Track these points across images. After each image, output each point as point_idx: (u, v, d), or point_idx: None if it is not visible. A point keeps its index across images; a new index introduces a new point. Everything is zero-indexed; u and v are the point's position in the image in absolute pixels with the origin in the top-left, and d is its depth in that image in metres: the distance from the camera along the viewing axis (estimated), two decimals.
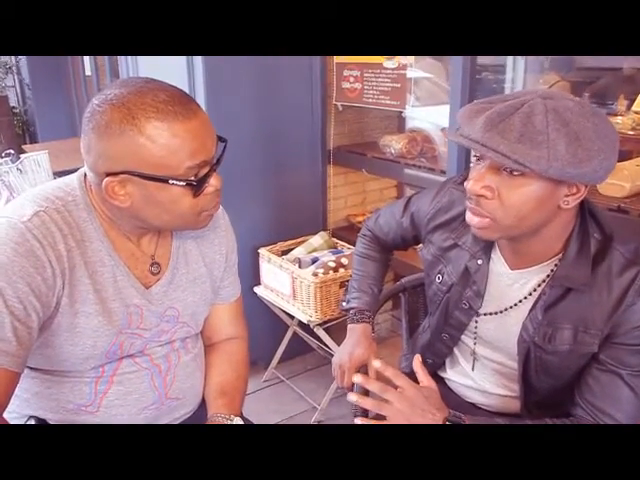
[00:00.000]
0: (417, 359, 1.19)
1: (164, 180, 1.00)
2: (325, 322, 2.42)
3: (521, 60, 2.78)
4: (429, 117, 2.72)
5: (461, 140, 1.07)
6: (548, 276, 1.19)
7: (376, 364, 1.18)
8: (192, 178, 1.02)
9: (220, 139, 1.07)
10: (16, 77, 6.89)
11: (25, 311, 0.98)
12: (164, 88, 1.01)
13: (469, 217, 1.14)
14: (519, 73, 2.79)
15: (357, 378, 1.17)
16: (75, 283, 1.06)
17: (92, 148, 1.00)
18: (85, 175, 1.12)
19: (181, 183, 1.01)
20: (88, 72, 5.14)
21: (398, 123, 3.05)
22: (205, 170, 1.04)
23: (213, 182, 1.05)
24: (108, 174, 1.00)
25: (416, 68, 2.63)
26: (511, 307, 1.25)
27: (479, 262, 1.27)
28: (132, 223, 1.10)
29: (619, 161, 2.01)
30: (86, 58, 5.12)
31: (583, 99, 1.11)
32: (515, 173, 1.03)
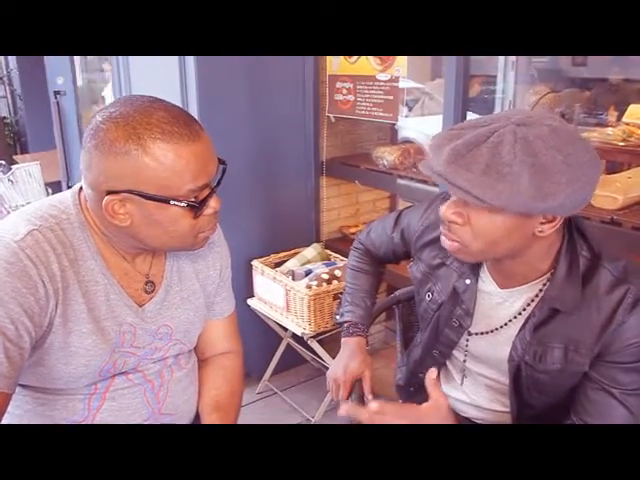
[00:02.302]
0: (430, 375, 1.11)
1: (165, 201, 0.99)
2: (319, 334, 2.41)
3: (511, 72, 2.80)
4: (422, 127, 2.73)
5: (426, 171, 1.06)
6: (537, 295, 1.19)
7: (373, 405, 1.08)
8: (193, 200, 1.02)
9: (220, 161, 1.07)
10: (7, 87, 6.88)
11: (17, 332, 0.97)
12: (169, 108, 1.00)
13: (442, 240, 1.15)
14: (510, 84, 2.81)
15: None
16: (68, 302, 1.05)
17: (94, 165, 0.99)
18: (79, 192, 1.11)
19: (182, 204, 1.01)
20: (80, 83, 5.13)
21: (391, 134, 3.06)
22: (206, 192, 1.04)
23: (212, 204, 1.06)
24: (109, 192, 0.99)
25: (429, 88, 2.66)
26: (501, 327, 1.25)
27: (467, 282, 1.26)
28: (129, 242, 1.09)
29: (610, 173, 2.03)
30: (77, 69, 5.11)
31: (564, 120, 1.09)
32: None
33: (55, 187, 4.55)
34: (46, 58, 3.69)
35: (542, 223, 1.05)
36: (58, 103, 3.64)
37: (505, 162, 0.97)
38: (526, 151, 0.97)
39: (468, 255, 1.14)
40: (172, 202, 1.00)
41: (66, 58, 3.50)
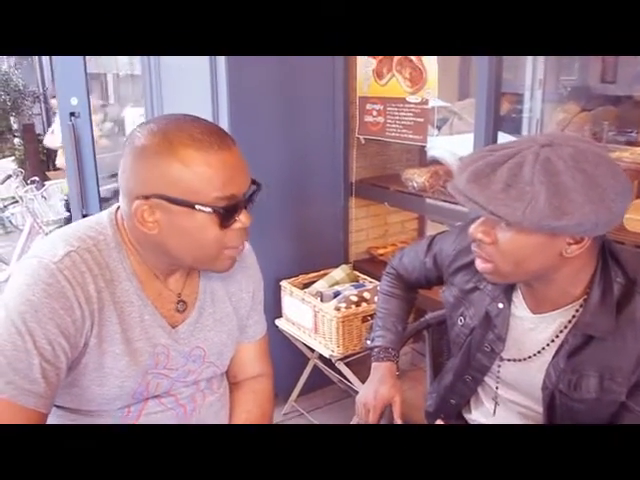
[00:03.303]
0: None
1: (191, 205, 1.01)
2: (347, 356, 2.40)
3: (539, 90, 2.79)
4: (451, 147, 2.73)
5: (452, 191, 1.09)
6: (570, 321, 1.17)
7: None
8: (219, 207, 1.03)
9: (253, 182, 1.08)
10: (43, 105, 7.04)
11: (54, 352, 0.99)
12: (203, 122, 1.04)
13: (477, 261, 1.17)
14: (537, 102, 2.80)
15: None
16: (104, 323, 1.06)
17: (127, 169, 1.03)
18: (116, 212, 1.13)
19: (207, 209, 1.01)
20: (112, 101, 5.24)
21: (420, 155, 3.05)
22: (233, 202, 1.04)
23: (242, 218, 1.06)
24: (138, 197, 1.02)
25: (458, 108, 2.65)
26: (534, 355, 1.23)
27: (500, 306, 1.26)
28: (159, 257, 1.11)
29: None
30: (110, 88, 5.21)
31: (593, 141, 1.10)
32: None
33: None
34: (57, 78, 3.51)
35: (569, 244, 1.05)
36: (73, 126, 3.26)
37: (525, 181, 0.99)
38: (546, 171, 0.99)
39: (500, 276, 1.15)
40: (197, 207, 1.01)
41: (82, 77, 3.31)
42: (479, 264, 1.16)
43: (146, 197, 1.01)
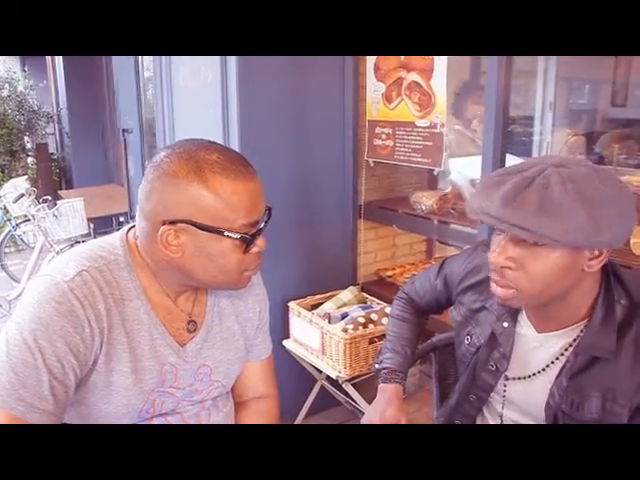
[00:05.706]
0: None
1: (220, 232, 1.04)
2: (354, 377, 2.40)
3: (549, 112, 2.81)
4: (460, 169, 2.74)
5: (482, 218, 1.08)
6: (574, 340, 1.18)
7: None
8: (244, 233, 1.06)
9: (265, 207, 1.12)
10: (57, 126, 7.14)
11: (63, 370, 1.01)
12: (227, 150, 1.08)
13: (493, 288, 1.16)
14: (547, 126, 2.81)
15: None
16: (112, 342, 1.08)
17: (154, 196, 1.05)
18: (127, 233, 1.15)
19: (236, 236, 1.05)
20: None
21: (429, 178, 3.06)
22: (254, 230, 1.08)
23: (259, 243, 1.10)
24: (165, 222, 1.04)
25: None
26: (538, 372, 1.24)
27: (505, 325, 1.27)
28: (176, 278, 1.13)
29: None
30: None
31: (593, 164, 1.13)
32: (540, 243, 1.05)
33: (96, 222, 4.67)
34: (119, 98, 3.91)
35: (590, 259, 1.08)
36: (125, 140, 3.89)
37: (557, 201, 1.01)
38: (575, 189, 1.01)
39: (520, 301, 1.16)
40: (226, 233, 1.04)
41: (134, 98, 3.66)
42: (498, 291, 1.14)
43: (173, 222, 1.04)
